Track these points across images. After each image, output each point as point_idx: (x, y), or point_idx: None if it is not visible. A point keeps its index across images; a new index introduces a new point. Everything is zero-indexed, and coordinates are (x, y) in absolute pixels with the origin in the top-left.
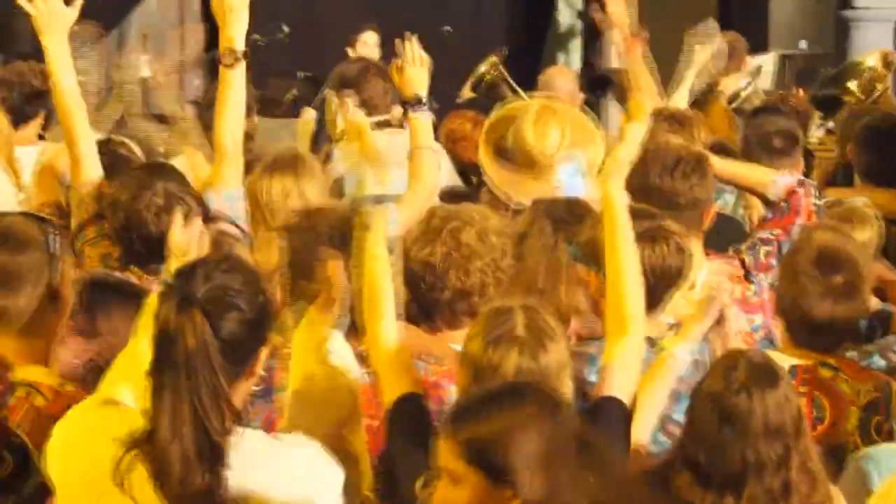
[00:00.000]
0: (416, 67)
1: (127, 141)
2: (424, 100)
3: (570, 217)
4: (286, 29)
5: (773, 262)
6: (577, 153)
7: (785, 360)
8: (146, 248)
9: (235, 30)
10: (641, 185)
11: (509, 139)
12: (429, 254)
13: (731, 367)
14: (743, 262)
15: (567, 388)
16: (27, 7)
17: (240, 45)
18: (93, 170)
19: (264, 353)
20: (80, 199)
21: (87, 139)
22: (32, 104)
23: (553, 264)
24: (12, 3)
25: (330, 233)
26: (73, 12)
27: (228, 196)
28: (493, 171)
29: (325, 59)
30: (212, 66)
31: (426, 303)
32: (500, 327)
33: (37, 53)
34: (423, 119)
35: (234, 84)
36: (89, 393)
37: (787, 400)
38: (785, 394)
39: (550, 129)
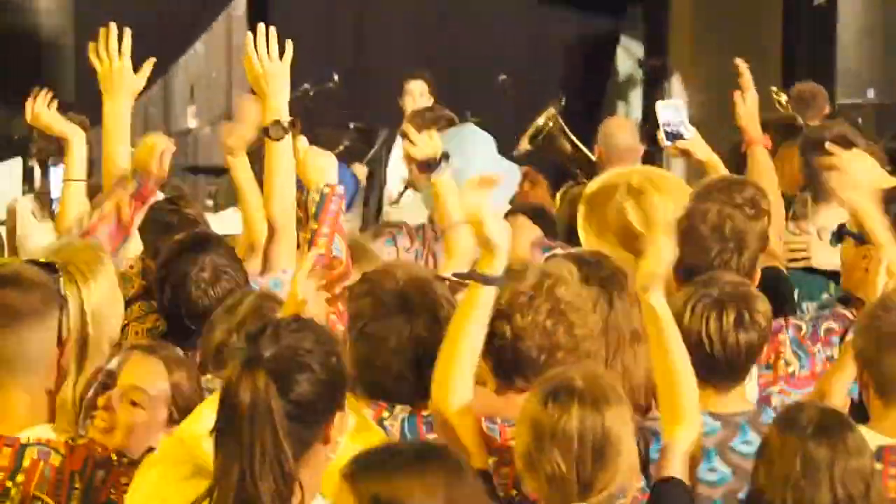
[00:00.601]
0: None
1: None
2: (443, 160)
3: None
4: (336, 78)
5: (835, 339)
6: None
7: (875, 437)
8: (193, 322)
9: (278, 100)
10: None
11: (610, 215)
12: (535, 312)
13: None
14: (797, 329)
15: (632, 454)
16: (95, 63)
17: (285, 116)
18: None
19: (340, 418)
20: (122, 275)
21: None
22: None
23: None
24: (56, 53)
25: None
26: (141, 80)
27: (275, 283)
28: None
29: (377, 109)
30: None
31: (506, 360)
32: (561, 383)
33: (79, 102)
34: (450, 182)
35: (283, 156)
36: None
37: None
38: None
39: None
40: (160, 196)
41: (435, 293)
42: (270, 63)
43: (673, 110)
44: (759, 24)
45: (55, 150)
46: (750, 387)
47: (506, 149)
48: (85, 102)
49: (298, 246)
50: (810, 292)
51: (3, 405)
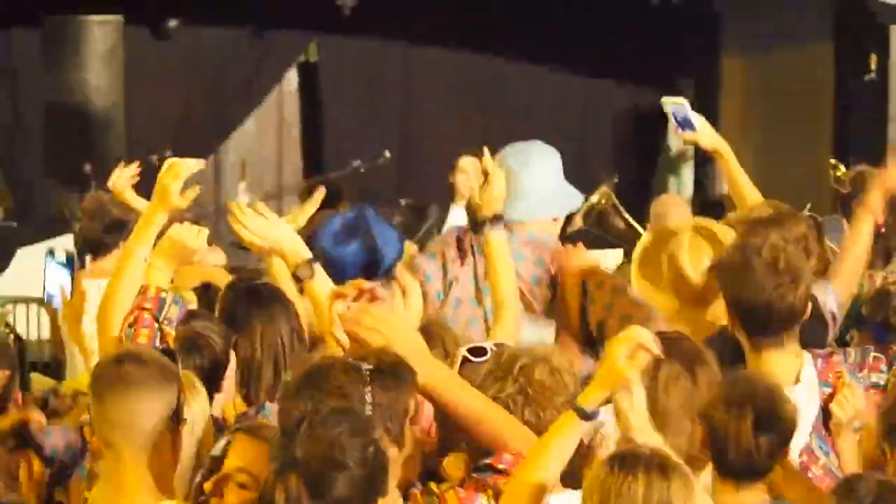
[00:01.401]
0: (499, 185)
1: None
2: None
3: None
4: (388, 154)
5: (883, 367)
6: None
7: None
8: None
9: (294, 251)
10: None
11: (664, 268)
12: (499, 390)
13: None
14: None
15: None
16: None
17: (306, 256)
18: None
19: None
20: None
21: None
22: (111, 235)
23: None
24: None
25: None
26: (185, 201)
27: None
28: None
29: (429, 185)
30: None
31: None
32: (630, 450)
33: None
34: (503, 236)
35: (318, 291)
36: None
37: None
38: None
39: (705, 257)
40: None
41: None
42: (266, 232)
43: (679, 106)
44: (810, 95)
45: (99, 230)
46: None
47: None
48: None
49: None
50: None
51: (114, 467)
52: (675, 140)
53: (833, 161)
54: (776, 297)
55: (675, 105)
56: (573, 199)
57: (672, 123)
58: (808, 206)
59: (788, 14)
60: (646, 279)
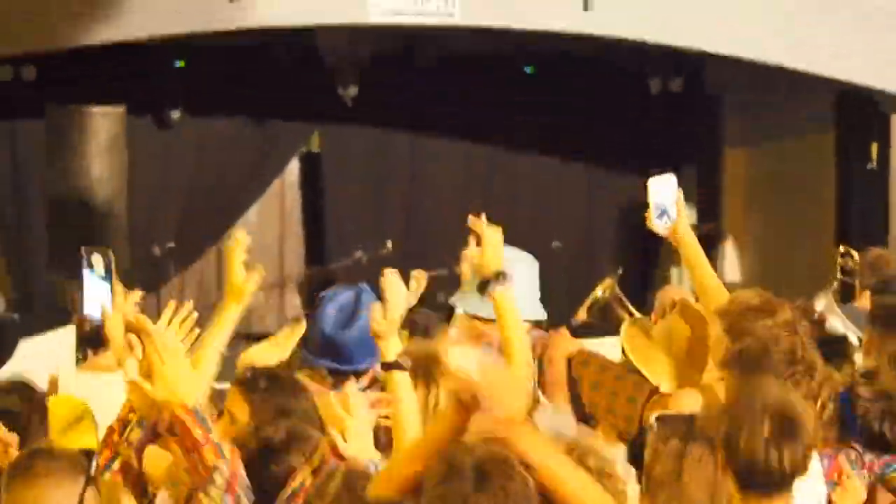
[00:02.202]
0: (494, 242)
1: None
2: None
3: None
4: (389, 245)
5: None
6: None
7: None
8: None
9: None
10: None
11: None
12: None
13: None
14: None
15: None
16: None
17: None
18: None
19: None
20: None
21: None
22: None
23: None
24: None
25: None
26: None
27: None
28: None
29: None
30: (311, 286)
31: None
32: None
33: (132, 268)
34: (511, 295)
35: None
36: None
37: None
38: None
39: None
40: None
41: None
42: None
43: (665, 188)
44: (812, 184)
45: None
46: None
47: (561, 318)
48: (138, 269)
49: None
50: None
51: None
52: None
53: (842, 248)
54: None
55: (660, 186)
56: (537, 312)
57: (650, 213)
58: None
59: (790, 103)
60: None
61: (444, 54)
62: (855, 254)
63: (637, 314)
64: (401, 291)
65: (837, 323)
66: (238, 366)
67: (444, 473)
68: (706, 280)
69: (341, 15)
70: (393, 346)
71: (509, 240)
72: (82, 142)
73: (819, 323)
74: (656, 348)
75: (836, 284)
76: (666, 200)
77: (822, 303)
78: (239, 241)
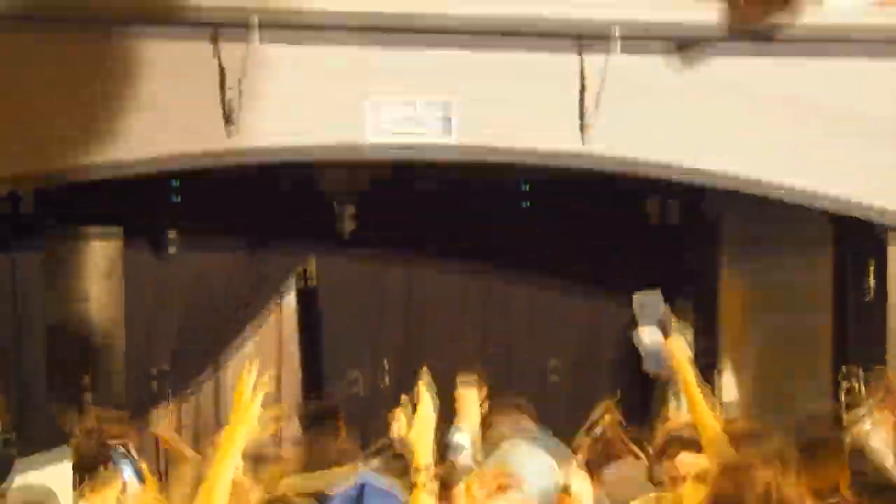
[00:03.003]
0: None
1: None
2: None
3: None
4: (387, 366)
5: None
6: None
7: None
8: None
9: None
10: None
11: None
12: None
13: None
14: None
15: None
16: None
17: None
18: None
19: None
20: None
21: None
22: (106, 454)
23: None
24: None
25: None
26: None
27: None
28: None
29: None
30: (309, 416)
31: None
32: None
33: (127, 393)
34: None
35: None
36: None
37: None
38: None
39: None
40: None
41: None
42: None
43: (651, 305)
44: (809, 307)
45: (96, 448)
46: None
47: (559, 436)
48: (132, 396)
49: None
50: None
51: None
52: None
53: (845, 369)
54: None
55: (647, 301)
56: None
57: (645, 359)
58: None
59: (787, 226)
60: None
61: (442, 177)
62: (859, 373)
63: (640, 453)
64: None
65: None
66: None
67: None
68: (698, 407)
69: (338, 136)
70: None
71: (506, 360)
72: (80, 269)
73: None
74: None
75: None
76: (649, 345)
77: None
78: (252, 369)
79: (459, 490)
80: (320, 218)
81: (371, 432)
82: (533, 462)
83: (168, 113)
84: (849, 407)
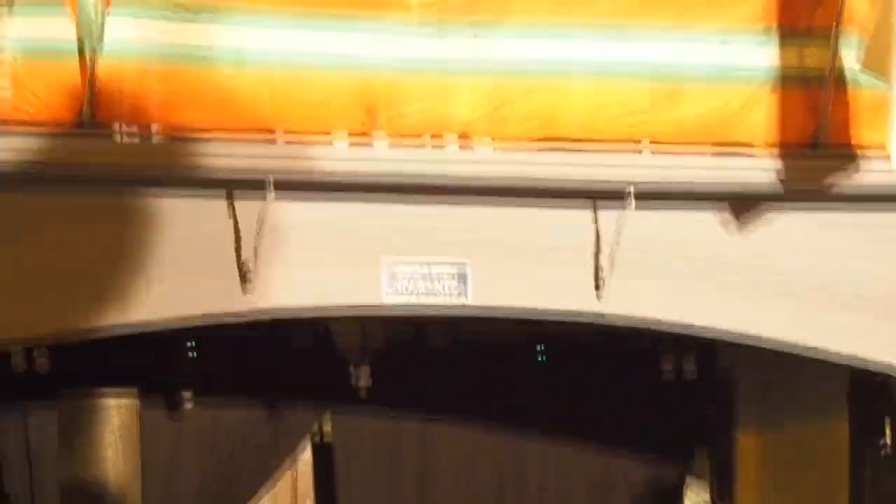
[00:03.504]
0: None
1: None
2: None
3: None
4: None
5: None
6: None
7: None
8: None
9: None
10: None
11: None
12: None
13: None
14: None
15: None
16: None
17: None
18: None
19: None
20: None
21: None
22: None
23: None
24: None
25: None
26: None
27: None
28: None
29: None
30: None
31: None
32: None
33: None
34: None
35: None
36: None
37: None
38: None
39: None
40: None
41: None
42: None
43: None
44: (824, 469)
45: None
46: None
47: None
48: None
49: None
50: None
51: None
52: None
53: None
54: None
55: None
56: None
57: None
58: None
59: (803, 387)
60: None
61: (457, 336)
62: None
63: None
64: None
65: None
66: None
67: None
68: None
69: (353, 296)
70: None
71: None
72: (95, 431)
73: None
74: None
75: None
76: None
77: None
78: None
79: None
80: (336, 375)
81: None
82: None
83: (183, 272)
84: None
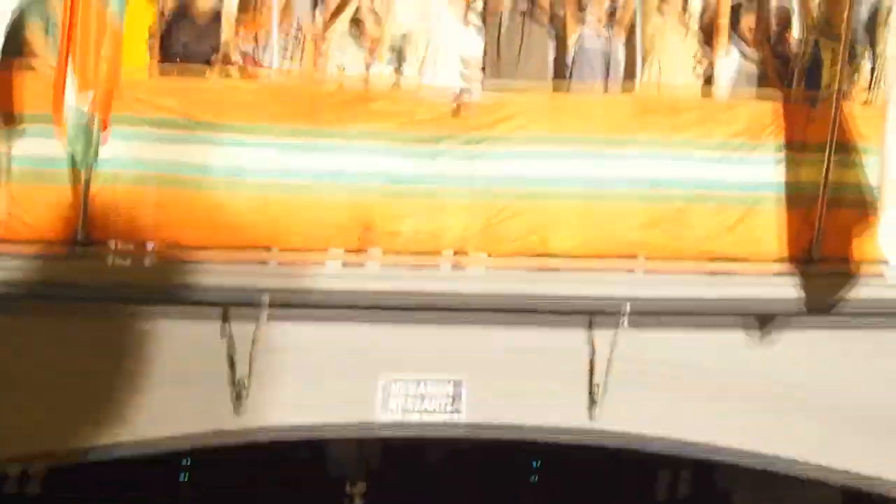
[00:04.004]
0: None
1: None
2: None
3: None
4: None
5: None
6: None
7: None
8: None
9: None
10: None
11: None
12: None
13: None
14: None
15: None
16: None
17: None
18: None
19: None
20: None
21: None
22: None
23: None
24: None
25: None
26: None
27: None
28: None
29: None
30: None
31: None
32: None
33: None
34: None
35: None
36: None
37: None
38: None
39: None
40: None
41: None
42: None
43: None
44: None
45: None
46: None
47: None
48: None
49: None
50: None
51: None
52: None
53: None
54: None
55: None
56: None
57: None
58: None
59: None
60: None
61: (452, 450)
62: None
63: None
64: None
65: None
66: None
67: None
68: None
69: (348, 415)
70: None
71: None
72: None
73: None
74: None
75: None
76: None
77: None
78: None
79: None
80: (331, 495)
81: None
82: None
83: (177, 392)
84: None
